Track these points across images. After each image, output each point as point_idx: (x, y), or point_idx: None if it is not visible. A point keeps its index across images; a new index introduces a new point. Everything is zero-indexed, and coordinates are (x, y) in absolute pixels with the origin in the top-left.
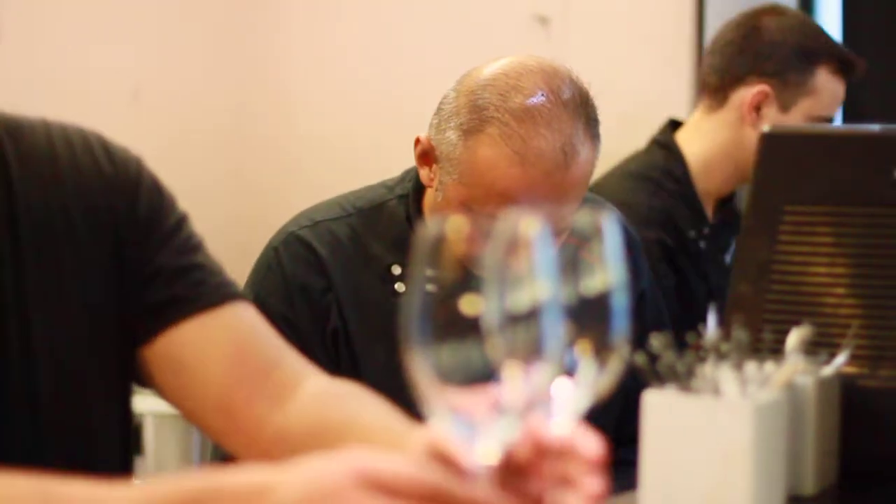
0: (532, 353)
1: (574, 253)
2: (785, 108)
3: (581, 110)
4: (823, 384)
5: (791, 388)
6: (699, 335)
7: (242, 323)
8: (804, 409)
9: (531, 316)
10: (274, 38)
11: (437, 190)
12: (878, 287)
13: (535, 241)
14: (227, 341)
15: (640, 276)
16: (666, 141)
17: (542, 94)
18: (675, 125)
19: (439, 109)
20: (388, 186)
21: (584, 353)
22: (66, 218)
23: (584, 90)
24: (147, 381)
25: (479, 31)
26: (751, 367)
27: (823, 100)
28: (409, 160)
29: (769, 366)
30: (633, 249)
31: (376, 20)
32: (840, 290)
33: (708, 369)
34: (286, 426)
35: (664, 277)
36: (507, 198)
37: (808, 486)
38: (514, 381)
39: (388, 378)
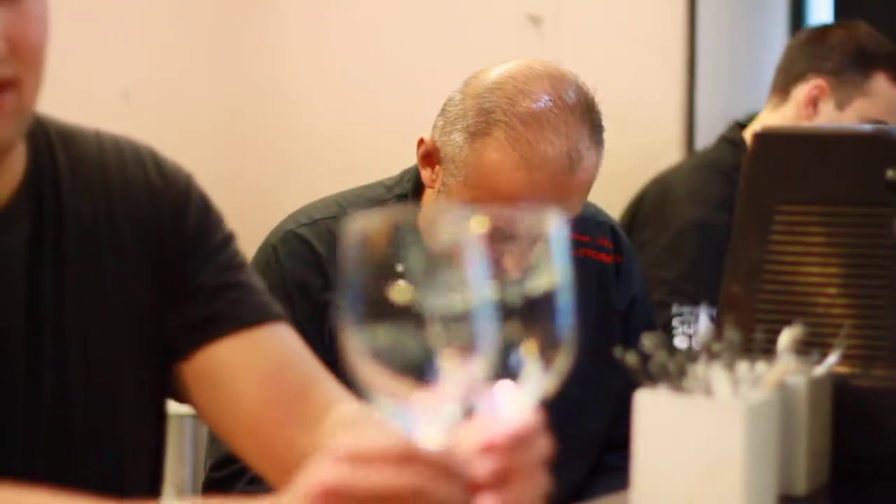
0: (469, 345)
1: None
2: (840, 105)
3: (587, 116)
4: (815, 384)
5: (783, 388)
6: (691, 336)
7: (279, 344)
8: (796, 408)
9: (467, 311)
10: (266, 37)
11: (440, 191)
12: (869, 287)
13: (474, 241)
14: (262, 362)
15: (631, 282)
16: (733, 137)
17: (550, 99)
18: (742, 126)
19: (444, 111)
20: (386, 186)
21: (529, 353)
22: (113, 228)
23: (590, 96)
24: (184, 398)
25: (471, 31)
26: (742, 366)
27: (879, 103)
28: (403, 159)
29: (761, 365)
30: (625, 255)
31: (370, 20)
32: (832, 290)
33: (700, 369)
34: (313, 450)
35: (717, 265)
36: (511, 201)
37: (800, 486)
38: (452, 372)
39: None
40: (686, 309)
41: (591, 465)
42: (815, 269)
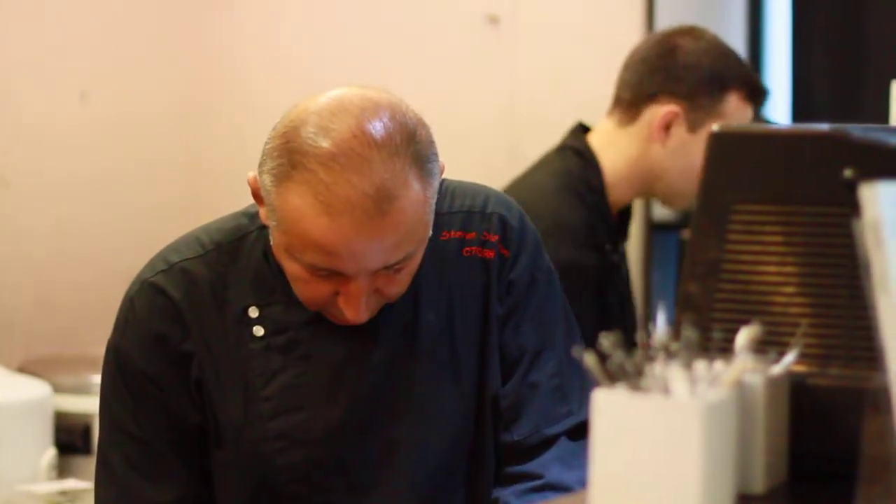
0: None
1: None
2: (693, 129)
3: (402, 150)
4: (773, 383)
5: (740, 387)
6: (649, 334)
7: None
8: (753, 407)
9: None
10: (223, 37)
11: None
12: (827, 286)
13: None
14: None
15: (517, 269)
16: (580, 148)
17: (354, 136)
18: (584, 129)
19: (264, 145)
20: (249, 215)
21: None
22: None
23: (410, 127)
24: None
25: (429, 31)
26: (700, 366)
27: (730, 123)
28: None
29: (718, 365)
30: (513, 246)
31: (328, 19)
32: (789, 290)
33: (657, 368)
34: None
35: (592, 303)
36: (322, 248)
37: (758, 485)
38: None
39: (244, 431)
40: None
41: (489, 473)
42: (773, 269)
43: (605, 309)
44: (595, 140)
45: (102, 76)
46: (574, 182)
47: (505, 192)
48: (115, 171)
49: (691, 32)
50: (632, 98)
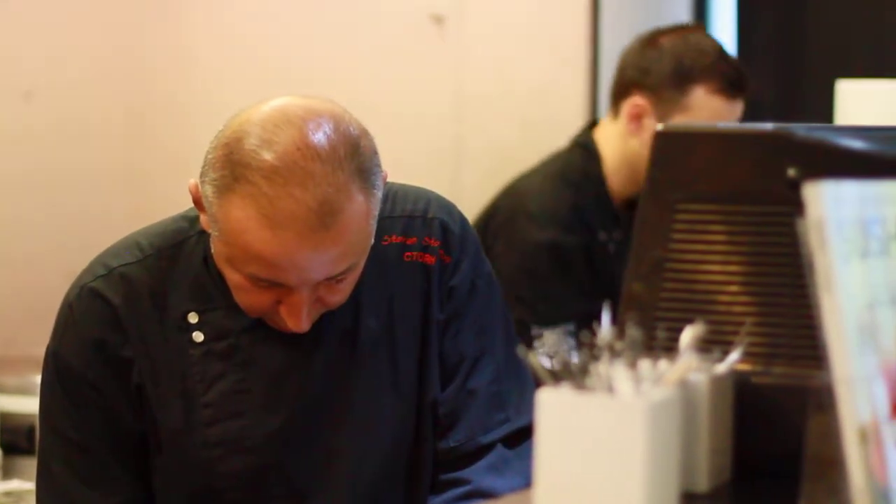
0: None
1: None
2: (661, 121)
3: (346, 162)
4: (717, 381)
5: (684, 386)
6: (593, 333)
7: None
8: (698, 406)
9: None
10: (169, 42)
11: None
12: (771, 285)
13: None
14: None
15: (458, 275)
16: (585, 141)
17: (297, 148)
18: (593, 124)
19: (206, 154)
20: (189, 219)
21: None
22: None
23: (354, 138)
24: None
25: (374, 30)
26: (644, 364)
27: (699, 117)
28: None
29: (663, 363)
30: (455, 252)
31: (273, 19)
32: (733, 288)
33: (602, 367)
34: None
35: (585, 276)
36: (265, 261)
37: (702, 483)
38: None
39: (184, 437)
40: (543, 330)
41: (426, 480)
42: (717, 268)
43: (593, 291)
44: (598, 134)
45: (47, 77)
46: (571, 172)
47: (506, 187)
48: (57, 172)
49: (679, 30)
50: (614, 92)
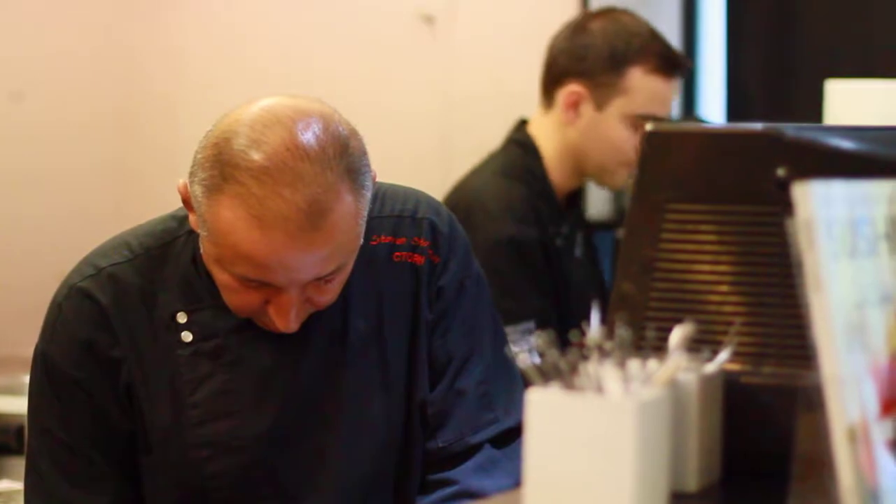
0: None
1: None
2: (600, 107)
3: (335, 162)
4: (706, 381)
5: (674, 386)
6: (582, 332)
7: None
8: (687, 406)
9: None
10: (160, 37)
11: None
12: (760, 285)
13: None
14: None
15: (447, 276)
16: (521, 139)
17: (286, 149)
18: (525, 122)
19: (195, 154)
20: (178, 219)
21: None
22: None
23: (343, 138)
24: None
25: (364, 30)
26: (634, 364)
27: (638, 98)
28: None
29: (652, 363)
30: (443, 252)
31: (263, 20)
32: (723, 288)
33: (591, 367)
34: None
35: (542, 271)
36: (253, 261)
37: (691, 483)
38: None
39: (172, 437)
40: (511, 328)
41: (415, 480)
42: (706, 268)
43: (548, 288)
44: (533, 130)
45: (37, 76)
46: (517, 171)
47: (454, 188)
48: (47, 172)
49: (607, 14)
50: (545, 83)
